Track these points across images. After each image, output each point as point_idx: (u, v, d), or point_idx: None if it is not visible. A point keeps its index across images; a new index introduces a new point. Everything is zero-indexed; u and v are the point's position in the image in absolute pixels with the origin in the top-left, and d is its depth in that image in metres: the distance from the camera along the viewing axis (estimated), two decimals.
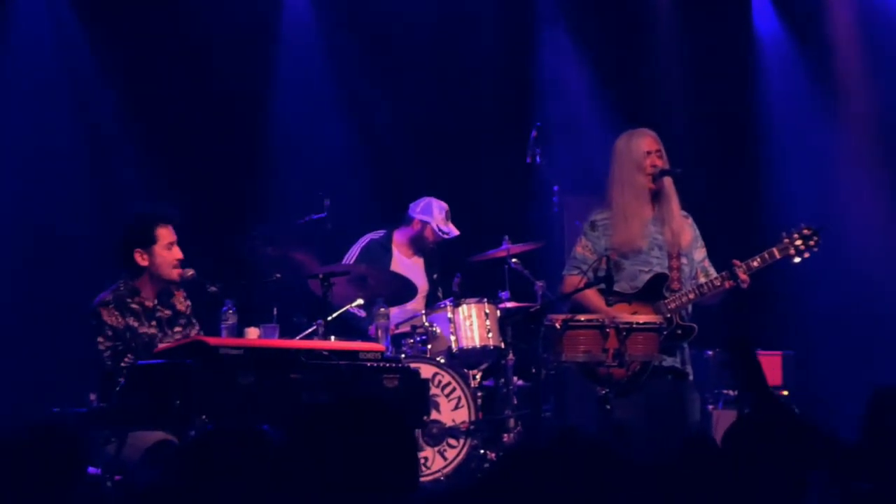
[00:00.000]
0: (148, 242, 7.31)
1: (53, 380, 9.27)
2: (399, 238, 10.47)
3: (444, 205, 10.39)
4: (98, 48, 10.60)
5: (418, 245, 10.45)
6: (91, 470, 6.83)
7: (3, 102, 10.32)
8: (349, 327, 9.59)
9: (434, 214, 10.33)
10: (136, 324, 7.26)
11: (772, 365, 10.19)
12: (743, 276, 7.46)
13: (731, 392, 9.81)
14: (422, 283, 10.31)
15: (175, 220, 7.43)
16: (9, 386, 9.46)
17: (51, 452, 4.26)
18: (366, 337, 9.26)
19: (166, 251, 7.34)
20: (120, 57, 10.62)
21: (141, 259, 7.32)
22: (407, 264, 10.37)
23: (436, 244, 10.45)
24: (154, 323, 7.33)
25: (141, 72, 10.63)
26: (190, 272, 7.48)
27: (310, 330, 9.26)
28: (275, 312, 8.96)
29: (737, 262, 7.49)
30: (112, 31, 10.64)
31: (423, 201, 10.41)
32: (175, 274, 7.36)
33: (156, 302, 7.38)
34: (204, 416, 6.23)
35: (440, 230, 10.32)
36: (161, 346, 7.04)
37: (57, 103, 10.44)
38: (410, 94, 11.29)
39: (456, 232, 10.36)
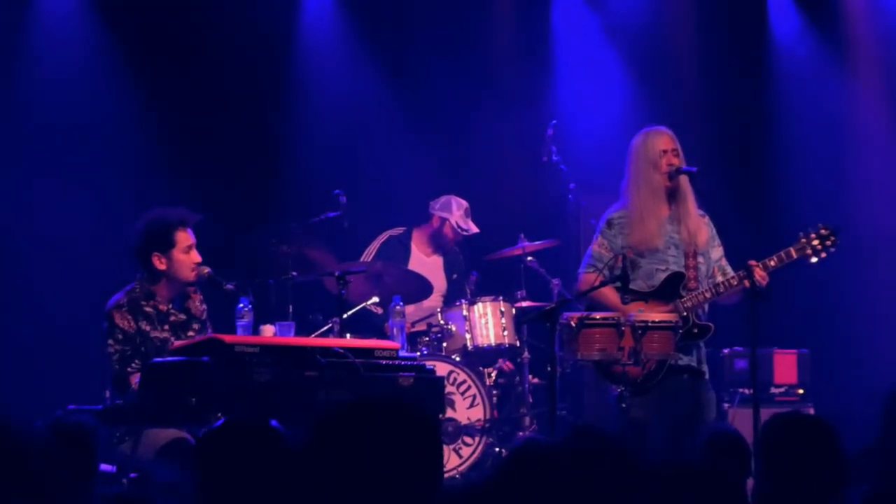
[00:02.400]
0: (166, 247, 7.28)
1: (69, 376, 9.28)
2: (418, 236, 10.48)
3: (464, 202, 10.39)
4: (114, 43, 10.61)
5: (438, 242, 10.45)
6: (106, 468, 6.85)
7: (20, 99, 10.34)
8: (366, 325, 9.60)
9: (453, 211, 10.33)
10: (148, 328, 7.24)
11: (787, 364, 10.17)
12: (760, 276, 7.44)
13: (746, 390, 9.80)
14: (439, 282, 10.31)
15: (193, 223, 7.40)
16: (25, 382, 9.48)
17: (65, 449, 4.27)
18: (382, 335, 9.27)
19: (184, 255, 7.31)
20: (134, 51, 10.62)
21: (159, 263, 7.29)
22: (425, 262, 10.37)
23: (456, 242, 10.45)
24: (167, 327, 7.31)
25: (156, 67, 10.63)
26: (206, 270, 7.46)
27: (325, 328, 9.28)
28: (290, 310, 8.98)
29: (753, 262, 7.46)
30: (127, 26, 10.65)
31: (443, 198, 10.41)
32: (192, 276, 7.34)
33: (170, 306, 7.37)
34: (219, 414, 6.22)
35: (459, 227, 10.32)
36: (177, 343, 7.03)
37: (68, 97, 10.46)
38: (428, 92, 11.27)
39: (475, 229, 10.35)
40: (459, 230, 10.34)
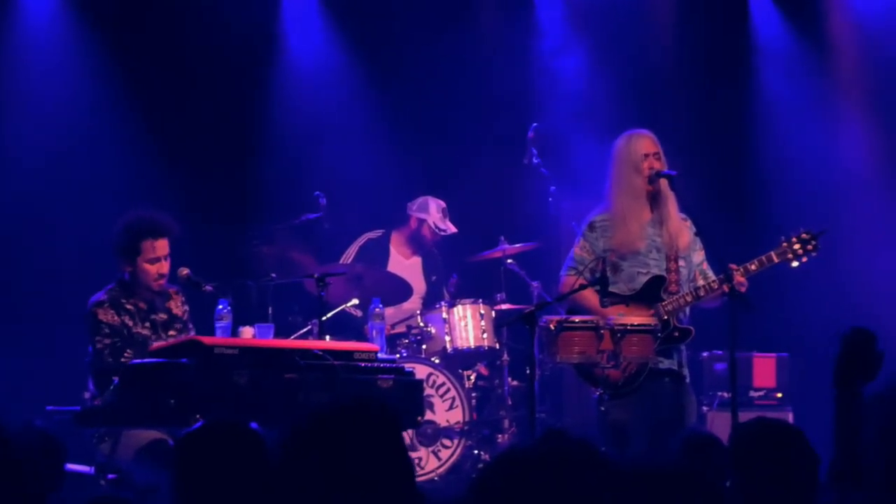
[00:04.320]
0: (132, 254, 7.29)
1: (48, 379, 9.25)
2: (397, 238, 10.47)
3: (442, 202, 10.39)
4: (96, 43, 10.59)
5: (416, 244, 10.45)
6: (84, 469, 6.84)
7: (3, 99, 10.32)
8: (345, 327, 9.59)
9: (431, 212, 10.33)
10: (131, 323, 7.25)
11: (766, 367, 10.19)
12: (740, 280, 7.44)
13: (725, 394, 9.81)
14: (418, 284, 10.31)
15: (170, 234, 7.37)
16: (2, 384, 9.44)
17: (30, 453, 4.26)
18: (362, 337, 9.27)
19: (149, 265, 7.30)
20: (117, 52, 10.60)
21: (125, 267, 7.32)
22: (404, 264, 10.37)
23: (434, 243, 10.45)
24: (148, 325, 7.33)
25: (138, 69, 10.61)
26: (185, 271, 7.47)
27: (304, 330, 9.27)
28: (270, 312, 8.96)
29: (734, 265, 7.47)
30: (109, 26, 10.62)
31: (420, 199, 10.42)
32: (155, 286, 7.35)
33: (149, 305, 7.37)
34: (198, 416, 6.21)
35: (437, 228, 10.32)
36: (156, 344, 7.03)
37: (50, 96, 10.43)
38: (408, 94, 11.27)
39: (453, 229, 10.36)
40: (437, 231, 10.34)
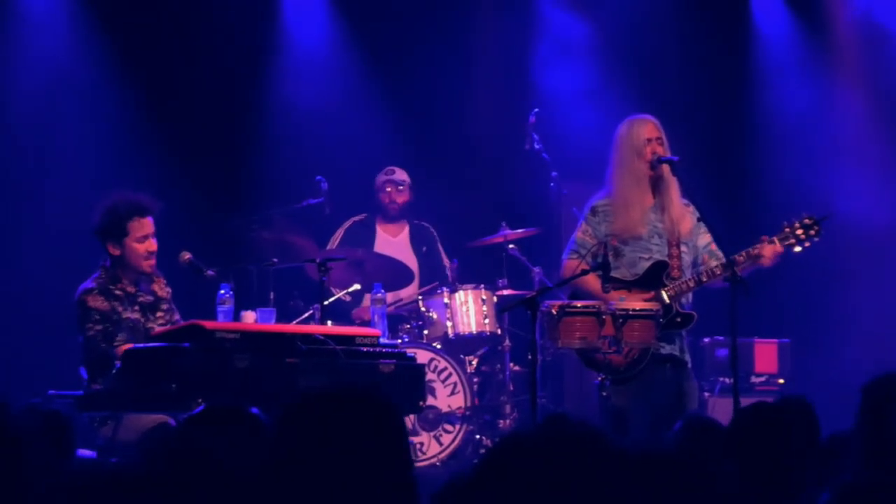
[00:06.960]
0: (119, 236, 7.30)
1: (50, 362, 9.25)
2: (380, 218, 10.52)
3: (389, 169, 10.48)
4: (95, 23, 10.57)
5: (388, 215, 10.48)
6: (87, 453, 6.84)
7: None
8: (340, 314, 9.60)
9: (378, 183, 10.44)
10: (120, 308, 7.26)
11: (768, 353, 10.19)
12: (766, 254, 7.48)
13: (727, 379, 9.81)
14: (410, 261, 10.31)
15: (152, 212, 7.38)
16: (4, 368, 9.45)
17: (41, 435, 4.26)
18: (349, 322, 9.30)
19: (138, 244, 7.31)
20: (118, 34, 10.57)
21: (113, 250, 7.33)
22: (392, 243, 10.41)
23: (395, 201, 10.45)
24: (137, 308, 7.35)
25: (136, 53, 10.58)
26: (187, 256, 7.49)
27: (306, 314, 9.28)
28: (271, 297, 8.97)
29: (737, 256, 7.46)
30: (110, 8, 10.60)
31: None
32: (146, 266, 7.35)
33: (136, 288, 7.39)
34: (200, 400, 6.22)
35: (381, 187, 10.40)
36: (158, 329, 7.04)
37: (46, 78, 10.41)
38: (409, 79, 11.26)
39: (397, 172, 10.41)
40: (384, 188, 10.40)
